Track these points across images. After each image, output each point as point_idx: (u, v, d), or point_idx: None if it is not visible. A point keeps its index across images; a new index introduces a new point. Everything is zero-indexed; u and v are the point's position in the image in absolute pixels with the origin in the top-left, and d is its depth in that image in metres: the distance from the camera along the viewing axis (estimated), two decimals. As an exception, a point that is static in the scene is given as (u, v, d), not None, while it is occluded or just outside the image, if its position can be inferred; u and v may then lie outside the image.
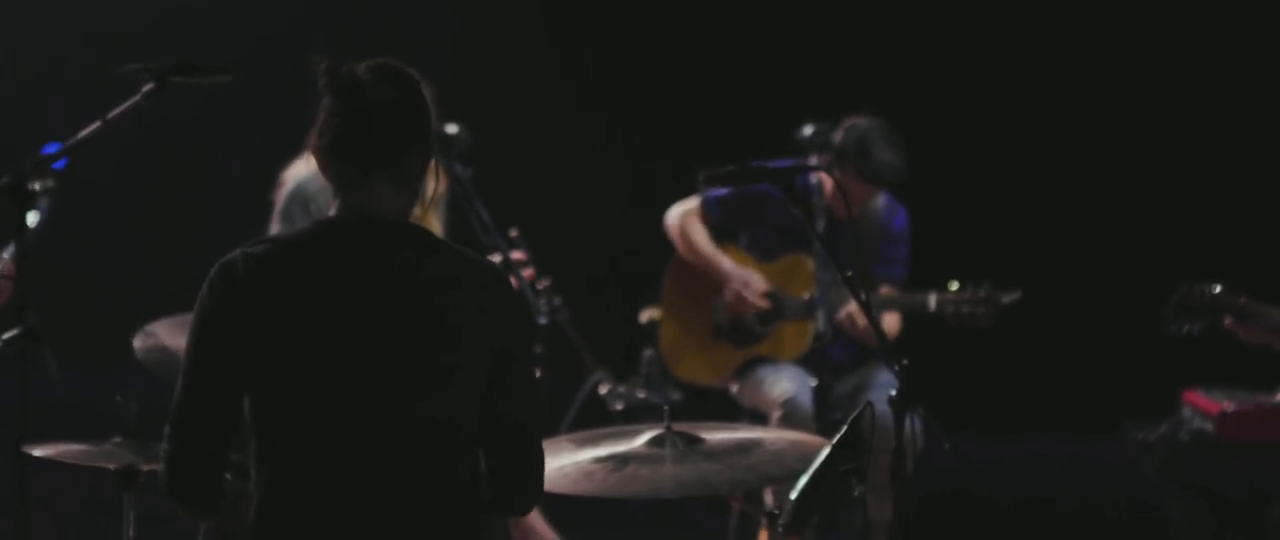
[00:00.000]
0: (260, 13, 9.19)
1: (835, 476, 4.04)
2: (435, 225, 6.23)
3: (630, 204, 8.15)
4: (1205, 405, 6.11)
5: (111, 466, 4.36)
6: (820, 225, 6.64)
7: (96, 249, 9.11)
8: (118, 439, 4.42)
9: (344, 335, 3.44)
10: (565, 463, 4.21)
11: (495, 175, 6.72)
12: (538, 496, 3.63)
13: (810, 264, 6.81)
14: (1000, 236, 8.85)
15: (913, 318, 6.88)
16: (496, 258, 6.06)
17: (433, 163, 3.61)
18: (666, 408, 4.43)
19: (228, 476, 3.50)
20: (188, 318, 3.53)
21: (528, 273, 6.41)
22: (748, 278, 6.84)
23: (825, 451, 4.08)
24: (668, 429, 4.31)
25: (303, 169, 6.16)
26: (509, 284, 3.62)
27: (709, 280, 6.93)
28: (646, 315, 7.11)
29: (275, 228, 6.17)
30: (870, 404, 4.11)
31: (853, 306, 6.66)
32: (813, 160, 6.62)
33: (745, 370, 6.93)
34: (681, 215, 7.00)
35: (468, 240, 5.96)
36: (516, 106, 9.17)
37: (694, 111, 9.25)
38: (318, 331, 3.44)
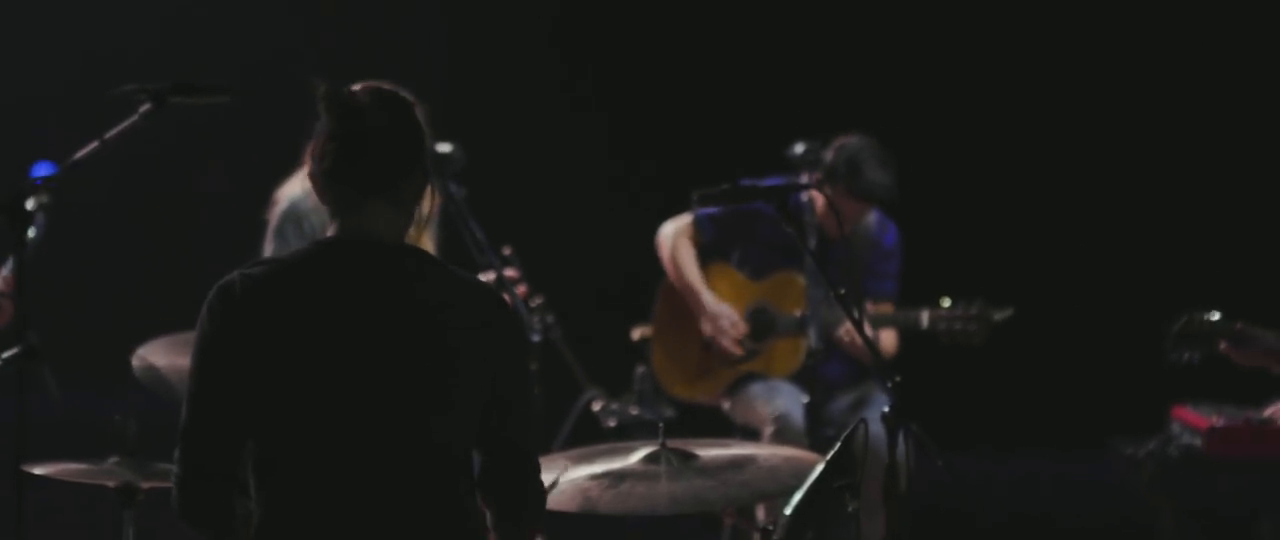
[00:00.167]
0: (253, 32, 9.20)
1: (829, 493, 4.07)
2: (428, 244, 6.25)
3: (623, 222, 8.16)
4: (1194, 421, 6.11)
5: (111, 484, 4.37)
6: (812, 243, 6.65)
7: (95, 268, 9.13)
8: (116, 457, 4.43)
9: (342, 357, 3.46)
10: (561, 479, 4.23)
11: (488, 193, 6.74)
12: (540, 515, 3.65)
13: (801, 281, 6.82)
14: (991, 254, 8.87)
15: (906, 335, 6.91)
16: (490, 275, 6.09)
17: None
18: (662, 424, 4.45)
19: (240, 497, 3.51)
20: (180, 337, 3.54)
21: (521, 290, 6.42)
22: (722, 321, 6.83)
23: (819, 468, 4.11)
24: (663, 445, 4.34)
25: (296, 188, 6.17)
26: (506, 305, 3.64)
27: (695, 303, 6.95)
28: (639, 333, 7.13)
29: (269, 246, 6.18)
30: (863, 421, 4.14)
31: (850, 324, 6.66)
32: (804, 178, 6.63)
33: (737, 387, 6.94)
34: (673, 235, 7.00)
35: (461, 258, 5.97)
36: (509, 125, 9.19)
37: (686, 130, 9.27)
38: (315, 353, 3.46)
